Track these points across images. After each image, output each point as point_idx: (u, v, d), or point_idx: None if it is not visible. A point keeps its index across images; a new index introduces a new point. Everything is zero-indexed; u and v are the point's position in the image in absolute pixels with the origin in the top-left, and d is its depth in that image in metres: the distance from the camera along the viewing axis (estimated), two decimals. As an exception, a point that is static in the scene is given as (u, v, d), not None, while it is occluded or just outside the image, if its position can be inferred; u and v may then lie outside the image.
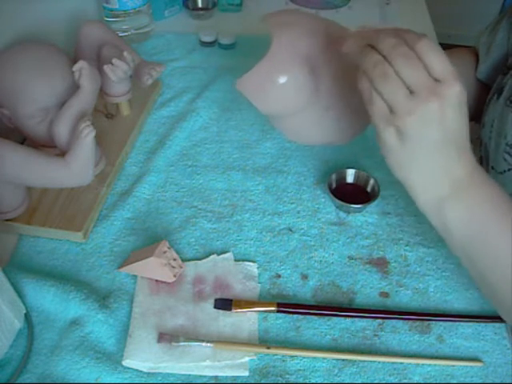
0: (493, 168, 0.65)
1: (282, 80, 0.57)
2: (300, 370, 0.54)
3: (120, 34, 0.87)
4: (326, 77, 0.58)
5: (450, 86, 0.44)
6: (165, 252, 0.59)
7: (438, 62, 0.45)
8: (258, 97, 0.59)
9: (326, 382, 0.53)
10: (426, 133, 0.46)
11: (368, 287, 0.61)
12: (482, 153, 0.69)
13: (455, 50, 0.79)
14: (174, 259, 0.60)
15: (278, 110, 0.60)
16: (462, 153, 0.48)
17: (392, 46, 0.46)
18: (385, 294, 0.60)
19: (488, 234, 0.49)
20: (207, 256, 0.63)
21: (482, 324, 0.57)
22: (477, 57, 0.75)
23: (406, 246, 0.65)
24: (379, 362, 0.54)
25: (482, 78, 0.74)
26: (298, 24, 0.58)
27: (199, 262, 0.63)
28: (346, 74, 0.58)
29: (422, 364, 0.54)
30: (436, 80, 0.45)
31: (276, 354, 0.55)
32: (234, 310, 0.57)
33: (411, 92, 0.45)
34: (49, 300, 0.58)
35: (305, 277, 0.62)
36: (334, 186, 0.69)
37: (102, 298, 0.59)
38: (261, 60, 0.56)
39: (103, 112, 0.80)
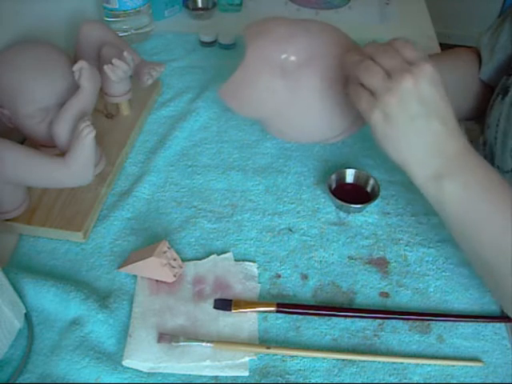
0: (498, 167, 0.66)
1: (254, 87, 0.61)
2: (300, 370, 0.54)
3: (120, 34, 0.87)
4: (303, 79, 0.60)
5: (422, 65, 0.50)
6: (165, 252, 0.59)
7: (411, 51, 0.51)
8: (235, 103, 0.64)
9: (325, 381, 0.53)
10: (407, 108, 0.50)
11: (368, 287, 0.61)
12: (487, 152, 0.70)
13: (455, 50, 0.79)
14: (174, 259, 0.60)
15: (256, 114, 0.65)
16: (450, 129, 0.52)
17: (375, 47, 0.53)
18: (385, 294, 0.60)
19: (480, 213, 0.52)
20: (207, 256, 0.63)
21: (482, 324, 0.57)
22: (478, 57, 0.75)
23: (406, 246, 0.65)
24: (379, 362, 0.54)
25: (485, 80, 0.74)
26: (271, 32, 0.60)
27: (199, 262, 0.63)
28: (326, 76, 0.59)
29: (422, 364, 0.54)
30: (410, 63, 0.51)
31: (276, 354, 0.55)
32: (233, 310, 0.57)
33: (389, 76, 0.50)
34: (49, 300, 0.58)
35: (305, 277, 0.62)
36: (333, 186, 0.69)
37: (102, 298, 0.59)
38: (236, 70, 0.61)
39: (103, 112, 0.80)
